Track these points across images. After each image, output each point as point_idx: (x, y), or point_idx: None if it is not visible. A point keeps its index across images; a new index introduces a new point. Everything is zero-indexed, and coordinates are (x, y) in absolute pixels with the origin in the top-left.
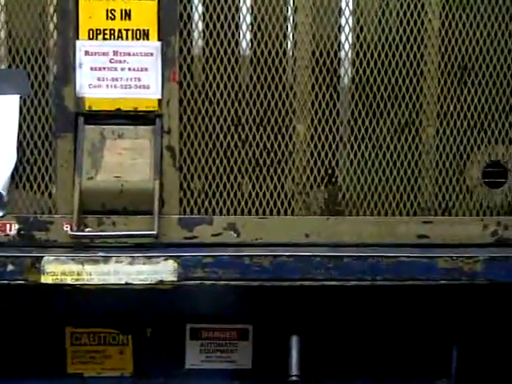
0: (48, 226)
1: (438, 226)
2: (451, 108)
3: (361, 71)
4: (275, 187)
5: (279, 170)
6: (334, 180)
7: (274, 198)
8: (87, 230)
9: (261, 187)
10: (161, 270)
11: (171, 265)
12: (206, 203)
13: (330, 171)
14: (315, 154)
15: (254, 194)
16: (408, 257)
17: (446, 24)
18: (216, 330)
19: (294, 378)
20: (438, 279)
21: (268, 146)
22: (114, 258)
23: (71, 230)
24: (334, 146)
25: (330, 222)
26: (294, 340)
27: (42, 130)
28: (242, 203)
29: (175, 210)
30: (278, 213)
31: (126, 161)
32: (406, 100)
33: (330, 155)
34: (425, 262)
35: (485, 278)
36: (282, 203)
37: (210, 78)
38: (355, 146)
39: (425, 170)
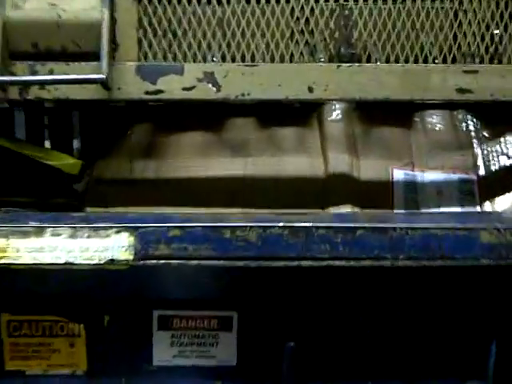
0: None
1: (485, 77)
2: None
3: None
4: (268, 23)
5: None
6: (347, 13)
7: (265, 39)
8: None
9: (248, 23)
10: (112, 246)
11: (125, 239)
12: (175, 46)
13: None
14: None
15: (238, 32)
16: (441, 229)
17: None
18: (191, 317)
19: None
20: (479, 258)
21: None
22: (49, 230)
23: None
24: None
25: (341, 72)
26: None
27: None
28: (224, 45)
29: (133, 55)
30: (272, 59)
31: None
32: None
33: None
34: (463, 236)
35: None
36: (277, 46)
37: None
38: None
39: None
